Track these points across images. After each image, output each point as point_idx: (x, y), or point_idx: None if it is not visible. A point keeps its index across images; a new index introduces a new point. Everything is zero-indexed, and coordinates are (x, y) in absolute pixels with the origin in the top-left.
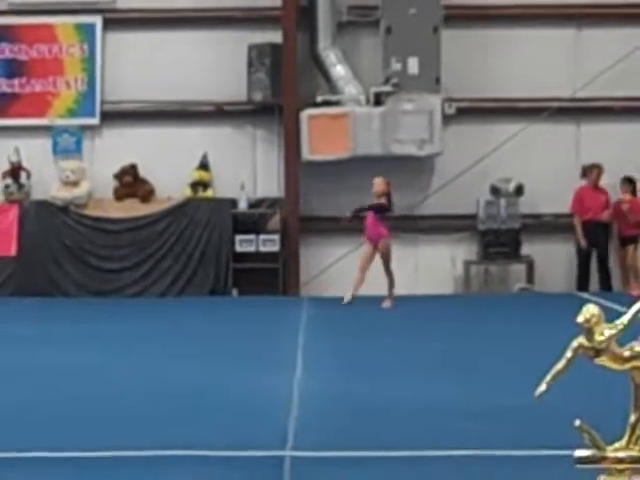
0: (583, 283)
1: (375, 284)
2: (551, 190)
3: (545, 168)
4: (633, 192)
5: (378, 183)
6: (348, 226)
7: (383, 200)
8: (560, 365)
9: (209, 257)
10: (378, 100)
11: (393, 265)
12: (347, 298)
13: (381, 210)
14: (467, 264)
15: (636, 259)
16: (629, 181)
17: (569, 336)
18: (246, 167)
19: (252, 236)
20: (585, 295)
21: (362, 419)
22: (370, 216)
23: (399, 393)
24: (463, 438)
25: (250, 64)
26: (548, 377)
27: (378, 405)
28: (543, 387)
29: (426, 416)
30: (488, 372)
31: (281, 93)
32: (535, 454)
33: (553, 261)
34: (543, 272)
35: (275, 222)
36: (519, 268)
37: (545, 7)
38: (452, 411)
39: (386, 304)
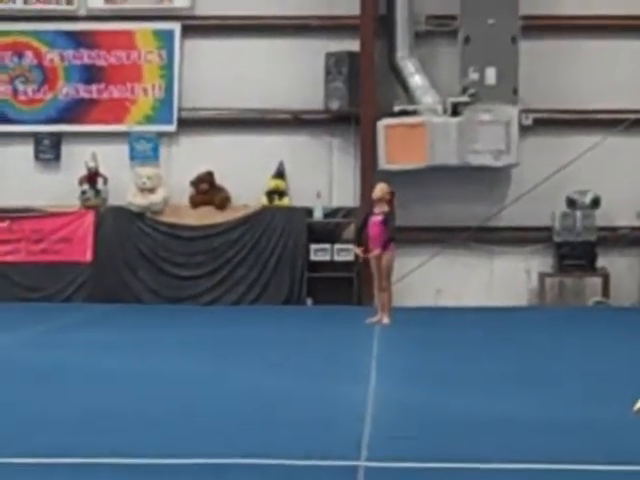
0: None
1: (453, 295)
2: (628, 203)
3: (622, 180)
4: None
5: (379, 188)
6: (423, 236)
7: (386, 208)
8: None
9: (284, 266)
10: (455, 110)
11: (468, 276)
12: (373, 319)
13: (387, 219)
14: (542, 276)
15: None
16: None
17: None
18: (322, 176)
19: (327, 245)
20: None
21: (436, 431)
22: (375, 225)
23: (473, 405)
24: (537, 451)
25: (327, 72)
26: None
27: (452, 417)
28: None
29: (500, 429)
30: (563, 386)
31: (358, 102)
32: (610, 469)
33: (629, 275)
34: (619, 286)
35: (350, 231)
36: (595, 281)
37: (624, 18)
38: (526, 424)
39: (385, 320)
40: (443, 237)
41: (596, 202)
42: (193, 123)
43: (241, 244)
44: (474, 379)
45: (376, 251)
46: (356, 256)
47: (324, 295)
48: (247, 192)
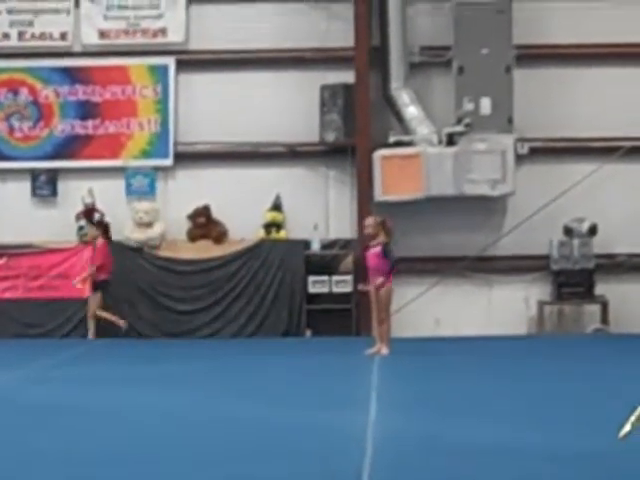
0: None
1: (452, 325)
2: (625, 230)
3: (619, 208)
4: None
5: (368, 224)
6: (421, 266)
7: (382, 238)
8: None
9: (282, 298)
10: (451, 140)
11: (466, 305)
12: (372, 350)
13: (385, 249)
14: (541, 304)
15: None
16: None
17: None
18: (319, 208)
19: (325, 277)
20: None
21: (436, 460)
22: (373, 257)
23: (474, 434)
24: None
25: (323, 105)
26: (633, 417)
27: (452, 446)
28: (627, 427)
29: (502, 458)
30: (564, 414)
31: (354, 133)
32: None
33: (628, 302)
34: (618, 313)
35: (348, 263)
36: (593, 308)
37: (617, 46)
38: (528, 453)
39: (384, 351)
40: (441, 267)
41: (593, 230)
42: (189, 157)
43: (239, 277)
44: (474, 408)
45: (379, 280)
46: (355, 286)
47: (323, 327)
48: (244, 225)
